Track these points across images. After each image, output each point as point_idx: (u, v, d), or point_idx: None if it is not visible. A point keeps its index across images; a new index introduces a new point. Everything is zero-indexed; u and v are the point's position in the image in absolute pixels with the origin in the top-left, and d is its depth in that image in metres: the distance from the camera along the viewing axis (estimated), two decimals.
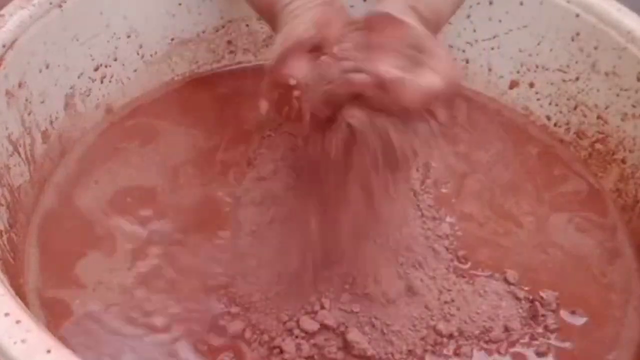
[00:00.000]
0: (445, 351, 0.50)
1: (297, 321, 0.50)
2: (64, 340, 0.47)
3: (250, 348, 0.49)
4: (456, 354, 0.50)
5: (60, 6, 0.57)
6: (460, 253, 0.56)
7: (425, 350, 0.50)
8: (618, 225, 0.62)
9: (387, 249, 0.52)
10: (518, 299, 0.54)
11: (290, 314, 0.50)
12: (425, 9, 0.52)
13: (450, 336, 0.51)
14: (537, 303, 0.53)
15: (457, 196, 0.62)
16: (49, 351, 0.35)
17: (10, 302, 0.38)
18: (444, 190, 0.62)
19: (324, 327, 0.49)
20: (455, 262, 0.56)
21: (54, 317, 0.49)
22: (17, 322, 0.37)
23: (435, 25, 0.52)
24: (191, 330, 0.50)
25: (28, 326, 0.37)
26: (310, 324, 0.49)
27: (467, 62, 0.73)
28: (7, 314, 0.37)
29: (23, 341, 0.36)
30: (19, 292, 0.46)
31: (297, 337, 0.49)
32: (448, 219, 0.59)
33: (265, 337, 0.49)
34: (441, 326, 0.51)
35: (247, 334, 0.50)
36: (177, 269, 0.53)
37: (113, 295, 0.51)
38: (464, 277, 0.55)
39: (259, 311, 0.50)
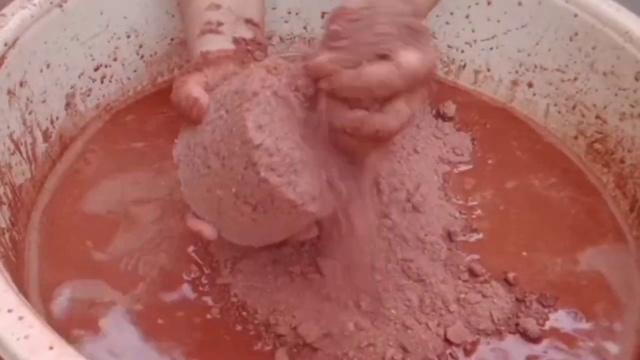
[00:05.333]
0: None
1: None
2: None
3: None
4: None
5: (60, 6, 0.58)
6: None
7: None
8: (617, 225, 0.62)
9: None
10: (518, 300, 0.54)
11: None
12: None
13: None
14: (536, 302, 0.54)
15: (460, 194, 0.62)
16: (51, 347, 0.36)
17: (13, 298, 0.38)
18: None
19: None
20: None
21: (54, 314, 0.49)
22: (20, 318, 0.37)
23: None
24: None
25: (31, 322, 0.37)
26: None
27: (466, 62, 0.73)
28: (10, 310, 0.37)
29: (26, 337, 0.36)
30: (21, 289, 0.46)
31: None
32: (458, 215, 0.60)
33: None
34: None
35: None
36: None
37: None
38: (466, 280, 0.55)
39: None
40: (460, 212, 0.60)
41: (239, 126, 0.42)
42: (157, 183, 0.59)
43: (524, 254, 0.58)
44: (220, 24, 0.52)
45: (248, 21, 0.53)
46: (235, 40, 0.51)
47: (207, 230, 0.47)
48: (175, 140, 0.48)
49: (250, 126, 0.41)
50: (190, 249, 0.54)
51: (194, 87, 0.46)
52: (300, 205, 0.42)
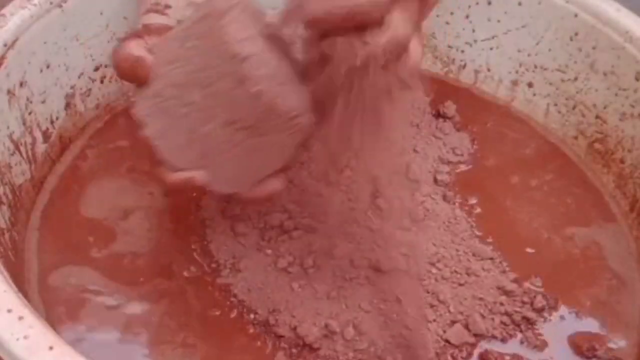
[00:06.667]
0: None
1: None
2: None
3: None
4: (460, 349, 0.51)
5: (60, 6, 0.58)
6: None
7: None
8: (617, 225, 0.62)
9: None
10: (520, 301, 0.54)
11: None
12: None
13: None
14: (537, 299, 0.54)
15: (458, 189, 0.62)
16: (51, 348, 0.36)
17: (13, 298, 0.38)
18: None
19: None
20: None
21: (55, 313, 0.49)
22: (20, 318, 0.37)
23: None
24: None
25: (31, 322, 0.37)
26: None
27: (466, 62, 0.73)
28: (9, 310, 0.37)
29: (25, 337, 0.36)
30: (21, 289, 0.46)
31: None
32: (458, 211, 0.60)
33: None
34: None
35: None
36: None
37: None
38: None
39: None
40: (460, 212, 0.60)
41: (221, 42, 0.40)
42: (157, 181, 0.59)
43: (527, 250, 0.58)
44: (167, 7, 0.50)
45: None
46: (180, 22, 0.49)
47: (198, 176, 0.44)
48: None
49: (233, 41, 0.40)
50: (190, 248, 0.54)
51: (134, 48, 0.44)
52: (296, 116, 0.41)
